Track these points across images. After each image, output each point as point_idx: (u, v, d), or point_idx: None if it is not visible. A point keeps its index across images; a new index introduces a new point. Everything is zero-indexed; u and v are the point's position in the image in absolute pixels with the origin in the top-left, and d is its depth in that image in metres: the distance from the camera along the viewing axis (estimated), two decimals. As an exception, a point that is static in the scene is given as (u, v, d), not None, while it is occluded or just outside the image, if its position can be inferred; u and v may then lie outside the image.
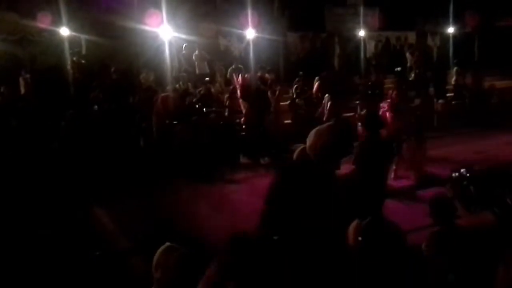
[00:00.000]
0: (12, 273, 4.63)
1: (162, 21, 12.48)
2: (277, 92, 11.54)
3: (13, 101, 10.92)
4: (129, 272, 4.22)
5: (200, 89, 11.58)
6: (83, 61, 13.46)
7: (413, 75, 14.72)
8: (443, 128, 11.66)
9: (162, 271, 2.71)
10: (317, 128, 3.19)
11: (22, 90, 12.61)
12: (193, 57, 13.90)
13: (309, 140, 3.14)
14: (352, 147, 3.51)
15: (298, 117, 11.30)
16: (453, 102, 13.76)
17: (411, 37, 18.31)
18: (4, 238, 5.64)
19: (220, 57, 14.92)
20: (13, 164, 7.90)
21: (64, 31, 13.44)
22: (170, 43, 13.04)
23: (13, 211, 6.37)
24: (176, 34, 13.28)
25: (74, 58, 13.30)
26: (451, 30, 17.46)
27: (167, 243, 2.79)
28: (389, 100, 9.05)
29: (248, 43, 14.48)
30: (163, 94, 10.29)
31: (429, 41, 18.46)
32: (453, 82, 14.37)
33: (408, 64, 15.90)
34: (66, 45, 13.33)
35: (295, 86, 12.05)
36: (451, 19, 17.21)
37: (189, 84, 12.46)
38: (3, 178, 7.27)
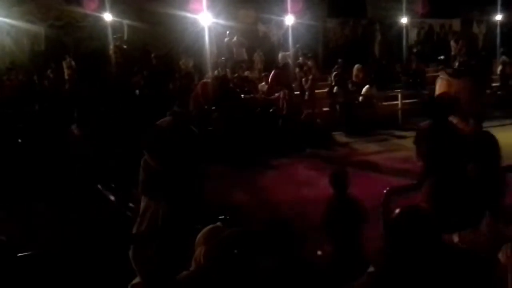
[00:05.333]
0: None
1: (202, 8, 12.54)
2: (309, 81, 11.46)
3: (58, 85, 11.28)
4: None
5: (236, 75, 11.64)
6: (124, 46, 13.73)
7: (457, 63, 14.28)
8: (487, 118, 11.29)
9: (203, 250, 2.77)
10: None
11: (66, 75, 12.99)
12: (232, 43, 13.96)
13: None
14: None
15: (336, 105, 11.18)
16: (498, 92, 13.30)
17: (456, 24, 17.71)
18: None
19: (258, 44, 14.90)
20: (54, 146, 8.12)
21: (107, 17, 13.73)
22: (209, 29, 13.11)
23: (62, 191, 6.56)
24: (216, 21, 13.34)
25: (116, 43, 13.58)
26: (498, 17, 16.76)
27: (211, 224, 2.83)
28: None
29: (287, 29, 14.40)
30: (202, 80, 10.38)
31: (475, 28, 17.80)
32: (498, 72, 13.87)
33: (452, 53, 15.42)
34: (109, 30, 13.63)
35: (334, 73, 11.92)
36: (498, 6, 16.52)
37: (227, 70, 12.53)
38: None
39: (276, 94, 10.62)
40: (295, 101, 11.01)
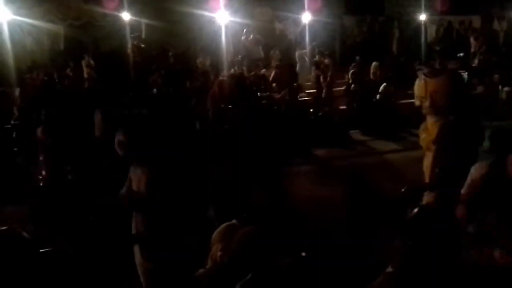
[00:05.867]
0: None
1: (219, 6, 12.58)
2: (328, 79, 11.39)
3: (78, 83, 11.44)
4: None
5: (253, 73, 11.65)
6: (142, 45, 13.86)
7: (476, 61, 14.06)
8: (508, 116, 11.11)
9: (219, 247, 2.78)
10: None
11: (85, 73, 13.17)
12: (248, 42, 13.97)
13: None
14: None
15: (354, 103, 11.12)
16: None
17: (476, 21, 17.41)
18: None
19: (275, 42, 14.88)
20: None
21: (126, 16, 13.87)
22: (226, 28, 13.14)
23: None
24: (232, 19, 13.37)
25: (135, 42, 13.71)
26: (520, 13, 16.48)
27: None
28: None
29: (304, 27, 14.36)
30: (219, 79, 10.42)
31: (495, 25, 17.48)
32: (520, 69, 13.62)
33: (472, 50, 15.18)
34: (127, 29, 13.77)
35: (351, 71, 11.85)
36: (520, 2, 16.24)
37: (244, 68, 12.55)
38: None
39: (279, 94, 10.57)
40: (303, 100, 10.98)
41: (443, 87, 5.14)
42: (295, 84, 11.16)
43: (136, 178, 4.00)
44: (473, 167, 3.75)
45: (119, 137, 3.98)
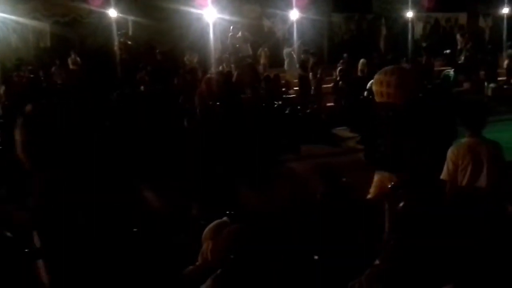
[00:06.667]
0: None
1: (206, 3, 12.53)
2: (319, 75, 11.41)
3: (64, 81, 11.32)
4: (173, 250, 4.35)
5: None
6: (129, 43, 13.75)
7: (462, 58, 14.20)
8: (493, 113, 11.22)
9: (210, 244, 2.78)
10: None
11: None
12: (236, 39, 13.94)
13: None
14: None
15: (342, 100, 11.16)
16: (504, 87, 13.22)
17: (462, 18, 17.59)
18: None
19: (263, 39, 14.88)
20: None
21: (112, 13, 13.75)
22: (214, 25, 13.10)
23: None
24: (220, 16, 13.33)
25: (121, 39, 13.60)
26: (505, 10, 16.63)
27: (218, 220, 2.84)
28: None
29: (291, 24, 14.37)
30: (207, 76, 10.38)
31: (481, 22, 17.67)
32: (505, 66, 13.78)
33: (458, 47, 15.33)
34: (114, 26, 13.65)
35: (339, 68, 11.89)
36: (505, -1, 16.41)
37: (232, 65, 12.52)
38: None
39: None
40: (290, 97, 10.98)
41: (395, 84, 5.15)
42: (272, 76, 11.16)
43: None
44: (449, 150, 3.94)
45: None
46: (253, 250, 2.49)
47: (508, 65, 13.69)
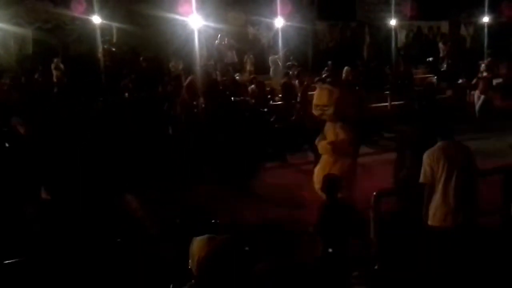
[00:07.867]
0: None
1: (191, 10, 12.51)
2: (305, 83, 11.44)
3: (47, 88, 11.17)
4: (157, 260, 4.30)
5: (225, 78, 11.61)
6: (113, 49, 13.67)
7: (445, 65, 14.40)
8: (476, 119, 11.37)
9: (197, 260, 2.74)
10: None
11: (55, 77, 12.88)
12: (222, 46, 13.95)
13: None
14: None
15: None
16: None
17: (444, 26, 17.87)
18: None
19: (248, 46, 14.91)
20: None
21: (96, 19, 13.65)
22: (199, 32, 13.09)
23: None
24: (205, 23, 13.32)
25: (105, 46, 13.51)
26: (485, 19, 16.94)
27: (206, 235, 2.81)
28: None
29: (276, 32, 14.43)
30: (186, 82, 10.20)
31: (463, 31, 17.99)
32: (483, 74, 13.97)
33: (440, 55, 15.55)
34: (98, 33, 13.55)
35: (323, 76, 11.94)
36: (486, 8, 16.69)
37: (217, 73, 12.50)
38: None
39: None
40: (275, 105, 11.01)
41: (347, 95, 5.73)
42: (258, 81, 11.18)
43: None
44: (425, 154, 4.21)
45: None
46: (240, 259, 2.48)
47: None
